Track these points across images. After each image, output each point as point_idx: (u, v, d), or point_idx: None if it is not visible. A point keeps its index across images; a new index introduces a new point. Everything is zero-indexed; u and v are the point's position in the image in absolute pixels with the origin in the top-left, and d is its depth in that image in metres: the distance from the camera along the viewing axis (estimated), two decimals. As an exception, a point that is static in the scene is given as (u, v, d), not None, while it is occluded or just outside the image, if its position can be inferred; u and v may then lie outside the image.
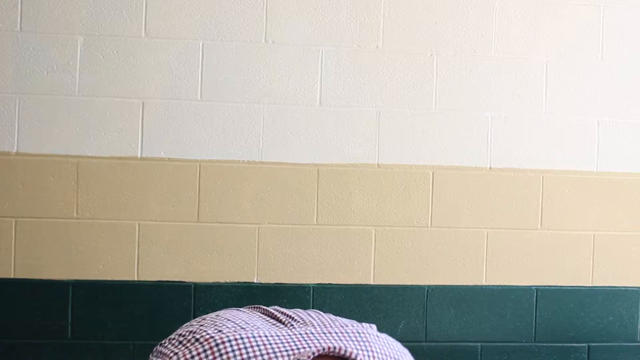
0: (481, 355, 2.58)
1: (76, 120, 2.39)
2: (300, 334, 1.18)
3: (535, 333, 2.61)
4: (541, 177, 2.61)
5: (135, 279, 2.40)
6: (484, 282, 2.58)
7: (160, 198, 2.42)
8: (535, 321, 2.61)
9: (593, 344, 2.64)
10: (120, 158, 2.41)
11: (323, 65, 2.49)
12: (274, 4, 2.47)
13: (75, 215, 2.39)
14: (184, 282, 2.41)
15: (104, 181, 2.40)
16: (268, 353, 1.11)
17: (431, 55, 2.55)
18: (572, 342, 2.63)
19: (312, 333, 1.19)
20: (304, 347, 1.13)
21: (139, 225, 2.41)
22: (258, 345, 1.12)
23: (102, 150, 2.40)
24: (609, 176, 2.64)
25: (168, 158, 2.43)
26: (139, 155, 2.42)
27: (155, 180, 2.42)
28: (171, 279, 2.42)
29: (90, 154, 2.39)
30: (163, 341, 1.20)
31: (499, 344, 2.59)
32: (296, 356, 1.11)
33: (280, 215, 2.47)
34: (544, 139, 2.61)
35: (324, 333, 1.16)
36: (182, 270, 2.43)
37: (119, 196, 2.40)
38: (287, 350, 1.12)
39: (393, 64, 2.53)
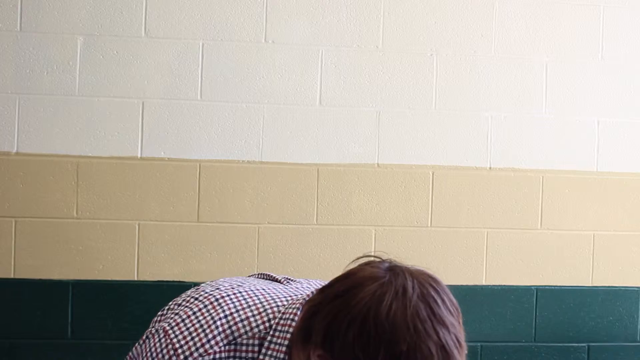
0: (481, 355, 2.57)
1: (76, 120, 2.39)
2: (297, 287, 1.20)
3: (535, 333, 2.61)
4: (541, 177, 2.60)
5: (135, 279, 2.40)
6: (484, 282, 2.58)
7: (160, 198, 2.42)
8: (535, 321, 2.61)
9: (593, 344, 2.64)
10: (120, 158, 2.41)
11: (323, 65, 2.49)
12: (274, 4, 2.47)
13: (75, 215, 2.39)
14: (184, 282, 2.41)
15: (104, 181, 2.40)
16: (267, 300, 1.13)
17: (431, 55, 2.55)
18: (572, 342, 2.63)
19: (309, 285, 1.22)
20: (301, 294, 1.15)
21: (139, 225, 2.41)
22: (257, 296, 1.14)
23: (102, 150, 2.40)
24: (609, 176, 2.64)
25: (168, 158, 2.43)
26: (139, 155, 2.42)
27: (155, 180, 2.42)
28: (171, 279, 2.42)
29: (90, 154, 2.39)
30: (160, 313, 1.19)
31: (499, 344, 2.59)
32: (292, 298, 1.13)
33: (280, 215, 2.47)
34: (544, 139, 2.61)
35: (321, 284, 1.17)
36: (182, 270, 2.43)
37: (119, 196, 2.40)
38: (285, 297, 1.14)
39: (393, 64, 2.53)
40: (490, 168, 2.58)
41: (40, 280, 2.37)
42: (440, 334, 0.95)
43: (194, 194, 2.43)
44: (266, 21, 2.47)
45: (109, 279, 2.40)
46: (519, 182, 2.59)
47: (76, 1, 2.38)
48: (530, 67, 2.60)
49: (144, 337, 1.14)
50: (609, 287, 2.65)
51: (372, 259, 1.03)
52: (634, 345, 2.66)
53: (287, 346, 1.06)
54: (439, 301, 0.98)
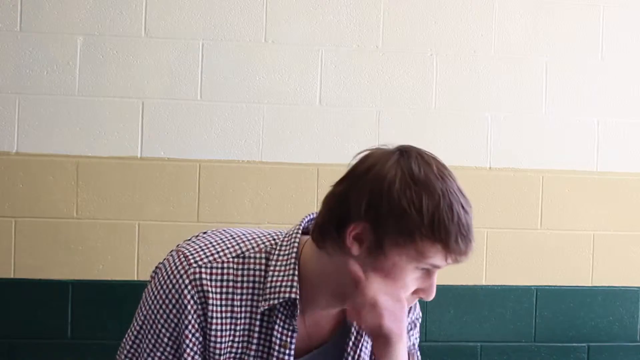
0: (481, 355, 2.57)
1: (76, 120, 2.39)
2: None
3: (535, 333, 2.61)
4: (541, 177, 2.60)
5: (135, 278, 2.40)
6: (484, 282, 2.58)
7: (160, 198, 2.42)
8: (535, 321, 2.61)
9: (593, 344, 2.64)
10: (120, 158, 2.41)
11: (323, 65, 2.49)
12: (274, 4, 2.47)
13: (75, 215, 2.39)
14: (184, 282, 2.41)
15: (104, 181, 2.40)
16: (269, 231, 1.27)
17: (431, 55, 2.55)
18: (572, 342, 2.63)
19: None
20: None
21: (139, 225, 2.41)
22: (260, 230, 1.27)
23: (102, 150, 2.40)
24: (609, 176, 2.64)
25: (168, 158, 2.43)
26: (139, 155, 2.42)
27: (155, 180, 2.42)
28: (171, 279, 2.42)
29: (90, 154, 2.39)
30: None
31: (499, 344, 2.59)
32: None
33: (280, 215, 2.46)
34: (544, 139, 2.61)
35: None
36: (182, 270, 2.42)
37: (119, 196, 2.40)
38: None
39: (393, 64, 2.53)
40: (490, 168, 2.58)
41: (40, 280, 2.37)
42: (455, 178, 1.18)
43: (194, 194, 2.43)
44: (266, 21, 2.47)
45: (109, 279, 2.40)
46: (519, 182, 2.59)
47: (76, 1, 2.38)
48: (530, 67, 2.60)
49: (155, 269, 1.26)
50: (609, 287, 2.65)
51: (371, 149, 1.22)
52: (634, 345, 2.66)
53: (295, 256, 1.17)
54: (443, 162, 1.20)
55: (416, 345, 1.38)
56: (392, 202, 1.09)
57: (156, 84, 2.42)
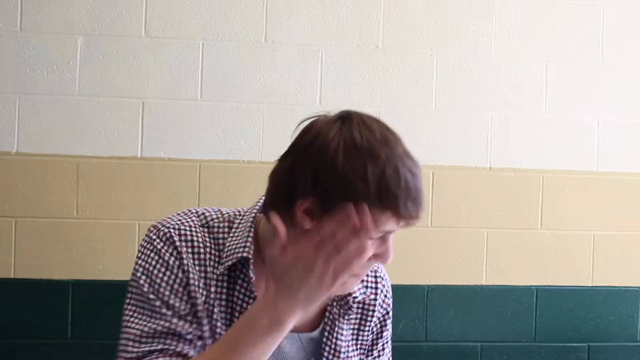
0: (481, 355, 2.57)
1: (76, 120, 2.39)
2: None
3: (535, 333, 2.61)
4: (541, 177, 2.60)
5: (135, 279, 2.40)
6: (484, 282, 2.58)
7: (160, 198, 2.42)
8: (535, 321, 2.61)
9: (593, 344, 2.64)
10: (120, 158, 2.41)
11: (323, 65, 2.49)
12: (274, 4, 2.47)
13: (75, 215, 2.39)
14: (184, 282, 2.41)
15: (104, 181, 2.40)
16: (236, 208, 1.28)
17: (431, 55, 2.55)
18: (572, 342, 2.63)
19: None
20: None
21: (139, 225, 2.41)
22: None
23: (102, 150, 2.40)
24: (609, 176, 2.64)
25: (168, 158, 2.43)
26: (139, 155, 2.42)
27: (155, 180, 2.42)
28: (171, 279, 2.42)
29: (90, 154, 2.39)
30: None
31: (499, 344, 2.59)
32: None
33: (280, 215, 2.46)
34: (544, 139, 2.61)
35: None
36: (182, 270, 2.42)
37: (119, 196, 2.40)
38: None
39: (393, 64, 2.53)
40: (490, 168, 2.58)
41: (40, 280, 2.37)
42: (400, 140, 1.12)
43: (194, 194, 2.43)
44: (266, 21, 2.47)
45: (109, 279, 2.40)
46: (519, 182, 2.59)
47: (76, 1, 2.38)
48: (530, 67, 2.60)
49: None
50: (609, 287, 2.65)
51: (314, 117, 1.21)
52: (634, 345, 2.66)
53: (252, 221, 1.20)
54: (386, 125, 1.14)
55: (389, 342, 1.38)
56: (338, 175, 1.07)
57: (156, 84, 2.42)
